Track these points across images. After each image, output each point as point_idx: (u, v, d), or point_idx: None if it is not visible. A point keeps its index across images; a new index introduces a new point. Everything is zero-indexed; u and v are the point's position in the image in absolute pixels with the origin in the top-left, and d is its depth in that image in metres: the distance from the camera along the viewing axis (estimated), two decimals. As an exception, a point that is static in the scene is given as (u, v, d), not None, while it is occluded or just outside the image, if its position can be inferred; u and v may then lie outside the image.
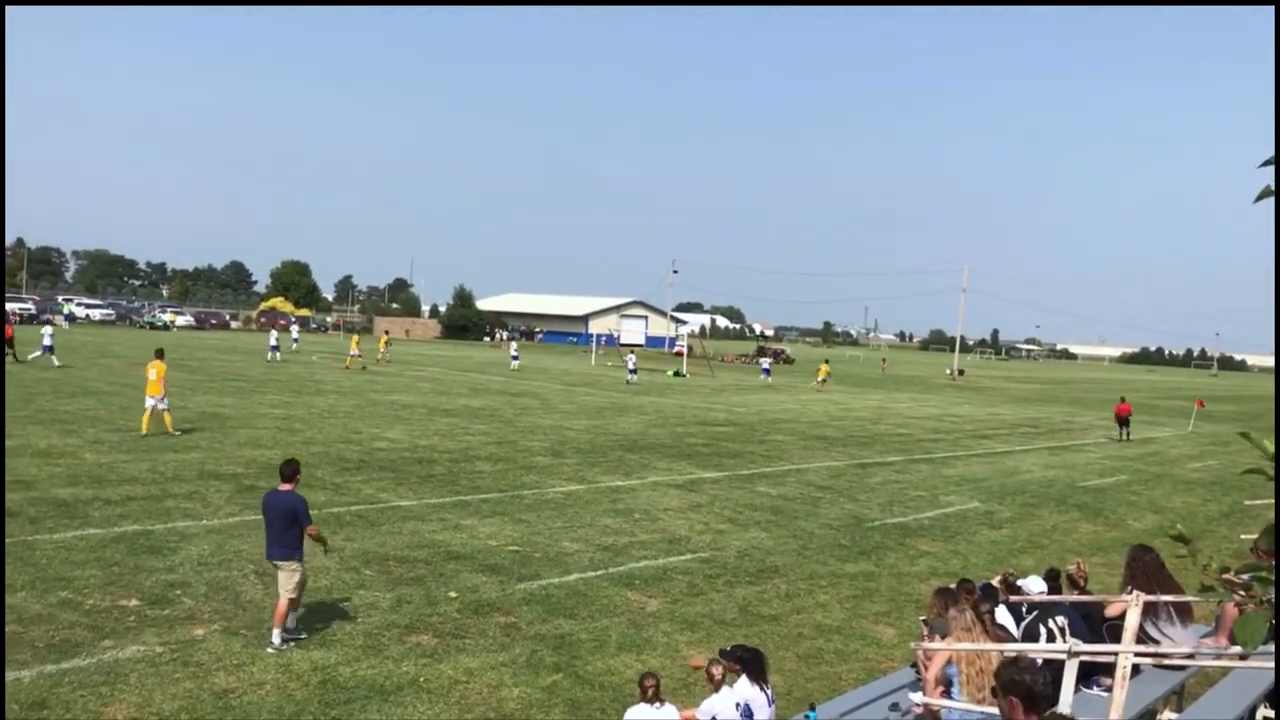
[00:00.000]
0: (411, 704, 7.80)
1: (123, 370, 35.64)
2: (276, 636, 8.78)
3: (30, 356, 36.20)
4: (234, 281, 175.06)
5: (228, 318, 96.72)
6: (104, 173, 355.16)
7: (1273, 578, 2.41)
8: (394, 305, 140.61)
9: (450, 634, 9.49)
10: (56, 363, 35.42)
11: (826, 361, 64.97)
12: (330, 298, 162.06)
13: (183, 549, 11.79)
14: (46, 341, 36.32)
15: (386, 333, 60.43)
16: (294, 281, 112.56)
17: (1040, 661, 4.36)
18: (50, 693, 7.48)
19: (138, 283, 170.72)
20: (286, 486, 9.13)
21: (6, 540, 11.27)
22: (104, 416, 22.71)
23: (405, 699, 7.88)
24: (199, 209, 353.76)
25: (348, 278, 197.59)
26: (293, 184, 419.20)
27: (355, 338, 50.16)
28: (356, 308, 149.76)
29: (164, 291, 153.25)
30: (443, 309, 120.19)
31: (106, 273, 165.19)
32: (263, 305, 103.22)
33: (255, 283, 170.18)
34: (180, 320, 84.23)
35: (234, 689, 7.82)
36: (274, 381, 35.61)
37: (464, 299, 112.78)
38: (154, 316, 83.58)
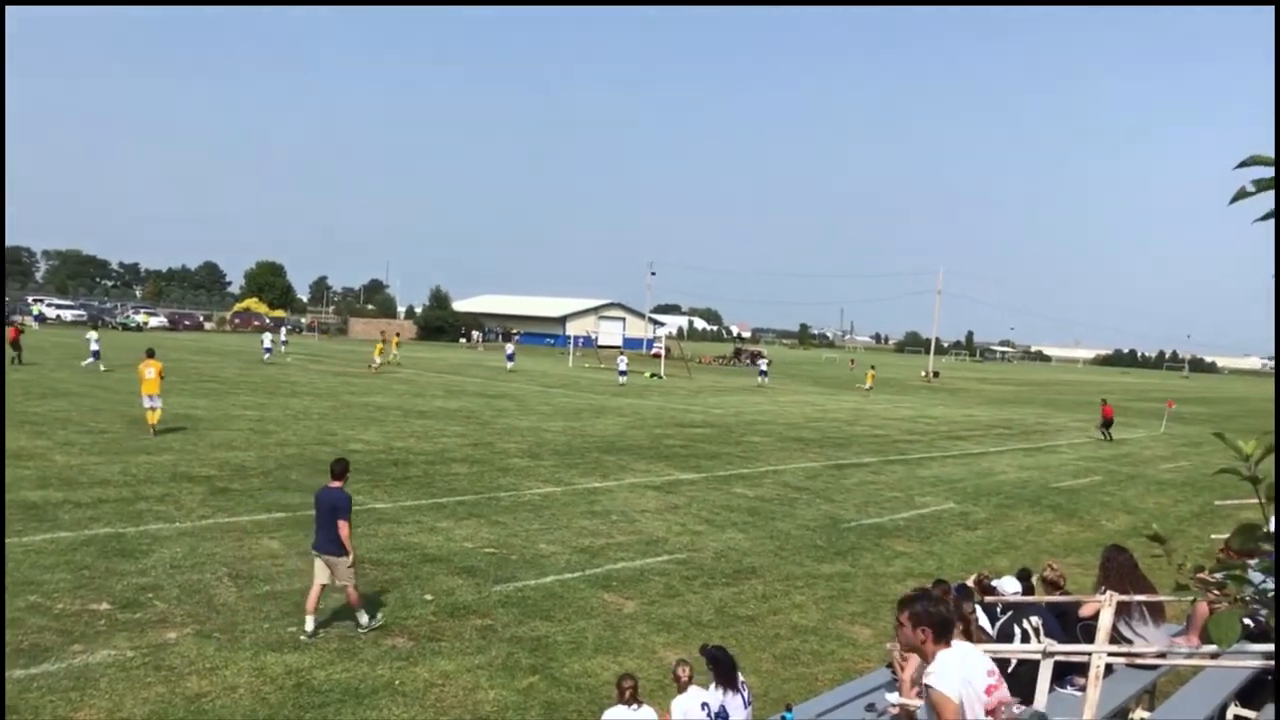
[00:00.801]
0: (386, 707, 7.75)
1: (94, 372, 35.24)
2: (364, 617, 9.41)
3: (84, 364, 36.32)
4: (208, 282, 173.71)
5: (201, 319, 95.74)
6: (76, 172, 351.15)
7: (1246, 576, 2.42)
8: (369, 306, 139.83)
9: (426, 636, 9.44)
10: (102, 368, 35.41)
11: (873, 367, 65.33)
12: (305, 299, 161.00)
13: (155, 552, 11.67)
14: (94, 347, 36.55)
15: (398, 334, 59.99)
16: (268, 282, 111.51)
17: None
18: (19, 698, 7.37)
19: (110, 283, 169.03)
20: (336, 484, 9.51)
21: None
22: (75, 418, 22.45)
23: (380, 702, 7.83)
24: (173, 209, 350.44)
25: (323, 278, 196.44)
26: (268, 185, 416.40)
27: (380, 345, 50.45)
28: (331, 309, 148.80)
29: (137, 292, 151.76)
30: (419, 310, 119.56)
31: (78, 273, 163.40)
32: (237, 306, 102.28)
33: (229, 284, 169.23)
34: (153, 321, 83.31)
35: (206, 693, 7.74)
36: (248, 383, 35.33)
37: (440, 300, 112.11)
38: (126, 317, 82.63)
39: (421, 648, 9.13)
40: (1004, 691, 4.15)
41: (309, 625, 9.25)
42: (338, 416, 26.51)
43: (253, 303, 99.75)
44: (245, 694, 7.79)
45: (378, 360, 47.39)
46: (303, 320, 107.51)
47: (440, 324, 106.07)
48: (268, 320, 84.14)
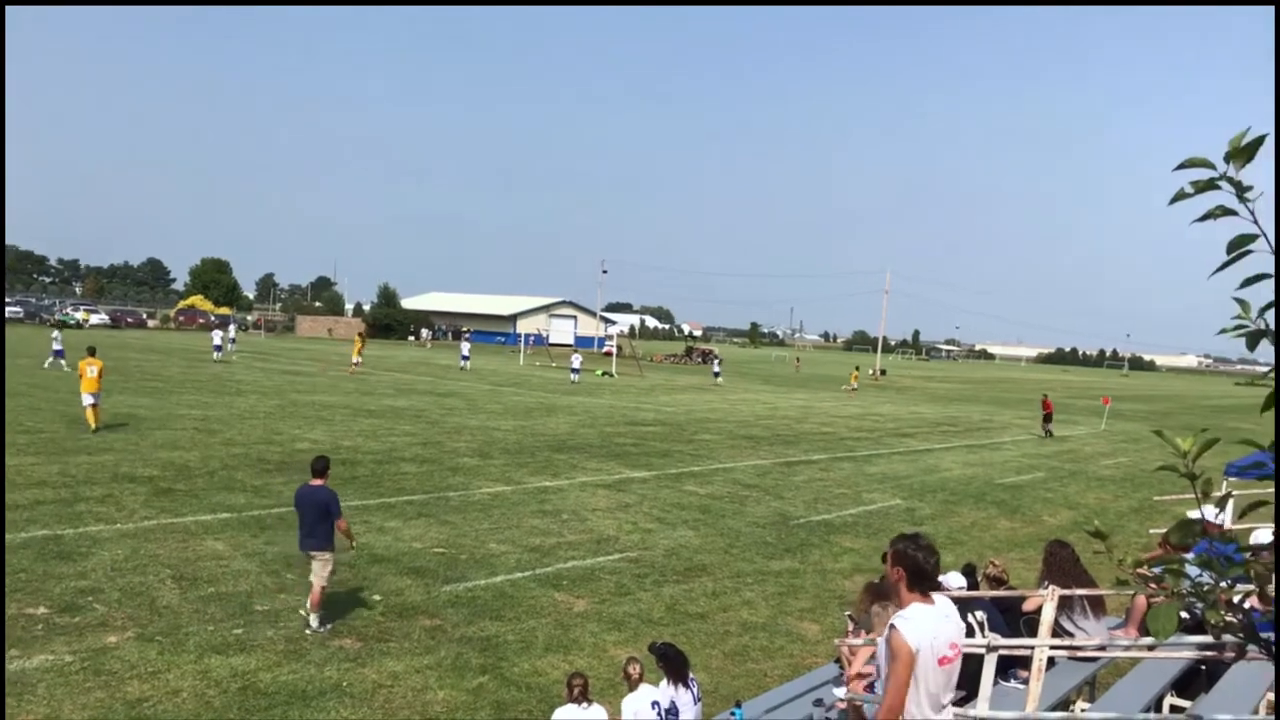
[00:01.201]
0: (334, 709, 7.67)
1: (30, 370, 34.43)
2: (315, 620, 9.37)
3: (46, 364, 35.81)
4: (151, 279, 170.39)
5: (144, 316, 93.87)
6: (11, 165, 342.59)
7: (1183, 570, 2.48)
8: (317, 304, 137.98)
9: (374, 637, 9.36)
10: (65, 366, 34.87)
11: (858, 368, 65.72)
12: (252, 296, 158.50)
13: (94, 554, 11.43)
14: (56, 346, 36.23)
15: (361, 334, 57.21)
16: (214, 279, 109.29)
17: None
18: (-49, 705, 7.18)
19: (49, 280, 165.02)
20: (318, 481, 9.63)
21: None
22: (10, 417, 21.89)
23: (328, 704, 7.75)
24: (115, 205, 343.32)
25: (269, 275, 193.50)
26: (213, 181, 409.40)
27: (358, 343, 48.65)
28: (278, 306, 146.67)
29: (77, 289, 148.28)
30: (367, 308, 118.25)
31: (14, 269, 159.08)
32: (181, 304, 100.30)
33: (174, 280, 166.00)
34: (94, 319, 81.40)
35: (148, 697, 7.60)
36: (192, 381, 34.71)
37: (388, 298, 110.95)
38: (65, 315, 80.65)
39: (370, 649, 9.04)
40: (956, 666, 4.17)
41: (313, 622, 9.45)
42: (284, 415, 26.15)
43: (197, 300, 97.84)
44: (189, 698, 7.65)
45: (357, 360, 46.20)
46: (249, 318, 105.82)
47: (389, 322, 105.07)
48: (213, 318, 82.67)
